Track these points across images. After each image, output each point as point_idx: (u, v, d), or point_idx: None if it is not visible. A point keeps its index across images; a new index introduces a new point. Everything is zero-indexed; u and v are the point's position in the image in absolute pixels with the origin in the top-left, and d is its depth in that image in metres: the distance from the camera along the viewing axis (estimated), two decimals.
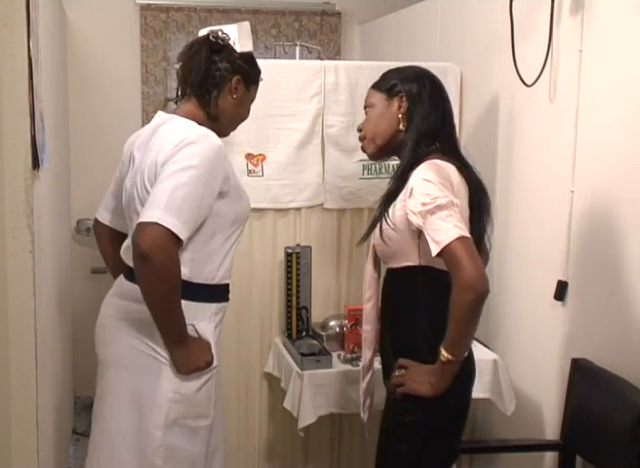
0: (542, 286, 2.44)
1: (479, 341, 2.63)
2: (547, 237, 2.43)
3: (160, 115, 1.93)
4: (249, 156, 2.56)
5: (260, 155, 2.57)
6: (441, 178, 1.77)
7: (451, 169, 1.85)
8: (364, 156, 2.09)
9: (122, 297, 1.91)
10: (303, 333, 2.63)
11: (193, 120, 1.86)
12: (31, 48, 1.80)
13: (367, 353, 2.11)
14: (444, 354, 1.72)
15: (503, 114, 2.70)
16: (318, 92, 2.61)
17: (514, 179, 2.64)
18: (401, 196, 1.83)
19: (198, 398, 1.85)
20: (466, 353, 1.76)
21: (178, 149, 1.74)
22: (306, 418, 2.37)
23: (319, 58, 3.51)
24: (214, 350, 1.86)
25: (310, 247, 2.63)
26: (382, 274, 2.04)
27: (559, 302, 2.37)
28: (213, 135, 1.82)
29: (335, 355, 2.51)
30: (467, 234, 1.68)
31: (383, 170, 2.66)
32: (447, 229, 1.67)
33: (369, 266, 2.06)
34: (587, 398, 2.18)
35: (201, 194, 1.74)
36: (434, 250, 1.69)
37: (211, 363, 1.85)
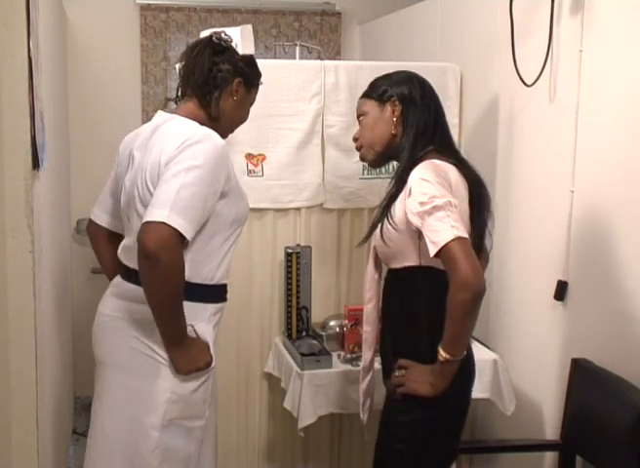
0: (542, 286, 2.44)
1: (479, 341, 2.64)
2: (547, 237, 2.43)
3: (160, 115, 1.93)
4: (249, 156, 2.56)
5: (260, 155, 2.57)
6: (439, 178, 1.78)
7: (450, 168, 1.86)
8: None
9: (120, 297, 1.91)
10: (303, 333, 2.63)
11: (195, 120, 1.87)
12: (31, 48, 1.80)
13: (367, 354, 2.11)
14: (442, 353, 1.72)
15: (503, 114, 2.70)
16: (318, 92, 2.61)
17: (514, 179, 2.64)
18: (401, 196, 1.84)
19: (194, 398, 1.85)
20: (465, 352, 1.76)
21: (182, 149, 1.74)
22: (306, 418, 2.37)
23: (319, 58, 3.50)
24: (212, 350, 1.86)
25: (310, 247, 2.63)
26: (383, 275, 2.04)
27: (559, 302, 2.37)
28: (216, 135, 1.82)
29: (335, 355, 2.51)
30: (464, 234, 1.69)
31: (383, 170, 2.65)
32: (444, 230, 1.68)
33: (370, 267, 2.06)
34: (587, 398, 2.18)
35: (205, 194, 1.74)
36: (432, 250, 1.70)
37: (210, 363, 1.85)
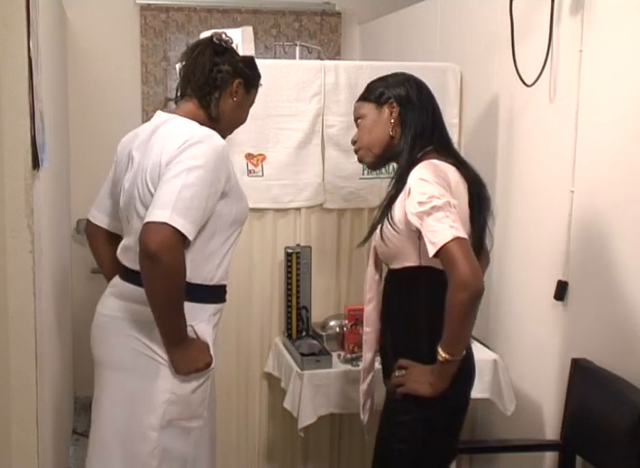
0: (542, 286, 2.44)
1: (479, 341, 2.63)
2: (547, 237, 2.43)
3: (159, 115, 1.93)
4: (249, 156, 2.56)
5: (260, 155, 2.57)
6: (438, 178, 1.78)
7: (449, 169, 1.86)
8: None
9: (119, 298, 1.91)
10: (303, 333, 2.63)
11: (194, 120, 1.86)
12: (31, 48, 1.80)
13: (367, 355, 2.11)
14: (441, 353, 1.72)
15: (503, 114, 2.70)
16: (318, 92, 2.61)
17: (514, 179, 2.64)
18: (401, 196, 1.84)
19: (193, 399, 1.85)
20: (464, 352, 1.76)
21: (183, 149, 1.74)
22: (306, 418, 2.37)
23: (319, 58, 3.50)
24: (212, 351, 1.86)
25: (310, 247, 2.63)
26: (384, 276, 2.04)
27: (559, 302, 2.37)
28: (217, 135, 1.82)
29: (335, 355, 2.51)
30: (463, 235, 1.69)
31: (384, 170, 2.63)
32: (443, 230, 1.68)
33: (370, 268, 2.06)
34: (587, 398, 2.18)
35: (207, 194, 1.74)
36: (431, 251, 1.70)
37: (210, 363, 1.85)
